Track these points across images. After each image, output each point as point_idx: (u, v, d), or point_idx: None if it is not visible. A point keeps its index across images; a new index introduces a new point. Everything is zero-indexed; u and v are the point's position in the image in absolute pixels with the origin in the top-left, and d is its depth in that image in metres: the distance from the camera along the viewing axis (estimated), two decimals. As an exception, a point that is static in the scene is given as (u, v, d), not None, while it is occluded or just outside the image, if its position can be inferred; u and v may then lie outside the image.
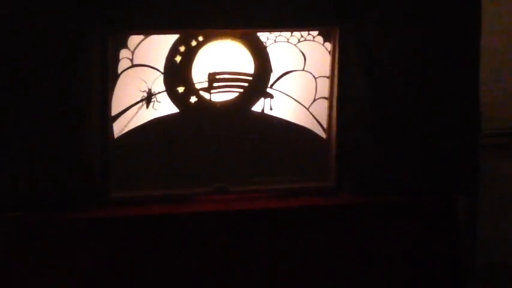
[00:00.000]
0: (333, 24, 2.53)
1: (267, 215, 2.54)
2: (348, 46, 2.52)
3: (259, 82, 2.56)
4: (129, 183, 2.52)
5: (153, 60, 2.49)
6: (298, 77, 2.59)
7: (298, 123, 2.61)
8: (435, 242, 2.62)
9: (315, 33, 2.56)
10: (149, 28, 2.44)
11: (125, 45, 2.46)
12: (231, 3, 2.43)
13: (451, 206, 2.62)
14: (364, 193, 2.61)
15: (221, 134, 2.55)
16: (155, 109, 2.51)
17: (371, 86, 2.53)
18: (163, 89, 2.50)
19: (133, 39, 2.46)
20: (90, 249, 2.45)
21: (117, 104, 2.48)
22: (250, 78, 2.55)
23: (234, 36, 2.52)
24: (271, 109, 2.59)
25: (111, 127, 2.48)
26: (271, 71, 2.56)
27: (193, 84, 2.52)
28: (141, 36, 2.46)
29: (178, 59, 2.49)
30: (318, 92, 2.60)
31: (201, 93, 2.53)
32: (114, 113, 2.48)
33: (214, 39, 2.51)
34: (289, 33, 2.55)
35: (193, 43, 2.50)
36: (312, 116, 2.61)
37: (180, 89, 2.52)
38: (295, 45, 2.57)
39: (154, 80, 2.49)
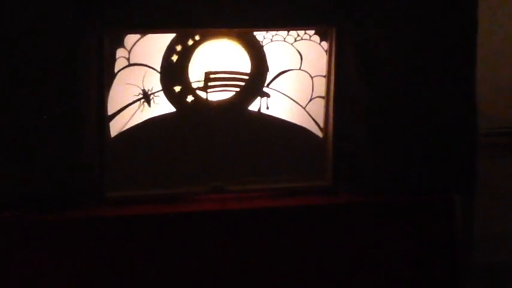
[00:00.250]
0: (330, 23, 2.52)
1: (263, 214, 2.54)
2: (345, 45, 2.52)
3: (255, 81, 2.56)
4: (126, 182, 2.52)
5: (149, 59, 2.49)
6: (295, 76, 2.59)
7: (294, 122, 2.61)
8: (433, 241, 2.61)
9: (312, 32, 2.56)
10: (146, 27, 2.44)
11: (121, 44, 2.46)
12: (228, 3, 2.43)
13: (448, 205, 2.62)
14: (362, 192, 2.61)
15: (218, 133, 2.55)
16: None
17: (368, 84, 2.53)
18: (160, 88, 2.51)
19: (130, 39, 2.46)
20: (87, 249, 2.45)
21: (114, 103, 2.48)
22: (246, 77, 2.55)
23: (231, 36, 2.52)
24: (267, 108, 2.59)
25: (108, 126, 2.49)
26: (267, 70, 2.56)
27: (189, 83, 2.52)
28: (138, 36, 2.47)
29: (174, 58, 2.49)
30: (314, 91, 2.60)
31: (198, 92, 2.53)
32: (110, 112, 2.48)
33: (211, 39, 2.51)
34: (285, 32, 2.55)
35: (190, 42, 2.50)
36: (308, 115, 2.61)
37: (177, 88, 2.52)
38: (291, 44, 2.57)
39: (151, 79, 2.50)
